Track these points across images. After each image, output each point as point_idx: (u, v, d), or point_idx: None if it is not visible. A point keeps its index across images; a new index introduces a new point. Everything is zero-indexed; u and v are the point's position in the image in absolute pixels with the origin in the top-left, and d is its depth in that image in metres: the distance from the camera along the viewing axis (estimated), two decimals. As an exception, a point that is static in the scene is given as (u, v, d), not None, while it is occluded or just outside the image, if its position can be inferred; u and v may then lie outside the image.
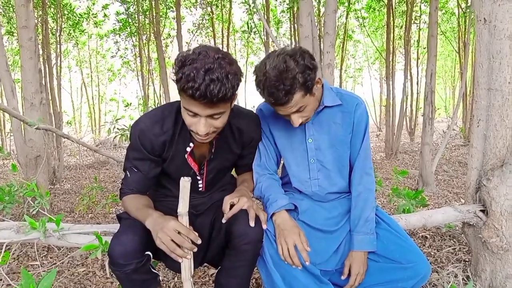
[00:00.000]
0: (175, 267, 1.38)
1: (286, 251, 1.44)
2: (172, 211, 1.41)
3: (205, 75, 1.16)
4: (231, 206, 1.47)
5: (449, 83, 16.96)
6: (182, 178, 1.28)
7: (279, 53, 1.37)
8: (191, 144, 1.50)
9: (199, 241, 1.30)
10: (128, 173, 1.53)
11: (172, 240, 1.27)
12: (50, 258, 2.66)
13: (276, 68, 1.33)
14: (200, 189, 1.65)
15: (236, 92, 1.29)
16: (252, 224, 1.40)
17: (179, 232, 1.28)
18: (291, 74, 1.33)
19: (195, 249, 1.30)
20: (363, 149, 1.63)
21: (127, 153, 1.53)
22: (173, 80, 1.25)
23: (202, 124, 1.29)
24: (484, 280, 1.98)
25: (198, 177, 1.61)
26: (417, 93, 9.01)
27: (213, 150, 1.53)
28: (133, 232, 1.36)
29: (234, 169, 1.81)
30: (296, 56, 1.36)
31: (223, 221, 1.45)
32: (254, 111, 1.71)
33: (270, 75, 1.33)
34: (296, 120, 1.45)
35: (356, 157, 1.64)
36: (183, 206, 1.31)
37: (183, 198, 1.31)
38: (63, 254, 2.69)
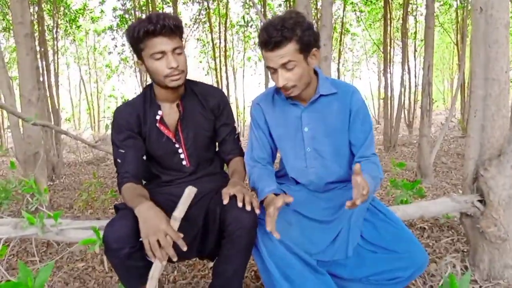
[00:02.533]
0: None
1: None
2: (168, 196, 1.46)
3: (156, 17, 1.43)
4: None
5: (447, 75, 16.92)
6: (189, 186, 1.36)
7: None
8: (160, 112, 1.64)
9: (184, 248, 1.31)
10: (119, 160, 1.62)
11: (158, 241, 1.28)
12: (50, 253, 2.67)
13: (283, 15, 1.44)
14: (185, 163, 1.69)
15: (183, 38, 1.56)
16: (248, 208, 1.41)
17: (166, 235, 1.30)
18: (293, 22, 1.41)
19: (175, 259, 1.30)
20: (366, 135, 1.62)
21: (112, 143, 1.65)
22: (132, 45, 1.50)
23: (171, 58, 1.48)
24: (482, 270, 1.98)
25: (177, 145, 1.67)
26: (415, 86, 9.00)
27: (180, 109, 1.65)
28: (126, 218, 1.39)
29: (222, 158, 1.84)
30: (305, 19, 1.45)
31: (224, 202, 1.44)
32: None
33: (275, 18, 1.43)
34: (281, 77, 1.47)
35: (360, 144, 1.63)
36: (180, 211, 1.35)
37: (183, 204, 1.34)
38: (62, 250, 2.69)
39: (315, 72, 1.63)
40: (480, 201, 1.95)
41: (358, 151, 1.64)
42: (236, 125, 1.85)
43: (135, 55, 1.57)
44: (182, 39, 1.55)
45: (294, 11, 1.47)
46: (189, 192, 1.35)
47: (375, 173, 1.52)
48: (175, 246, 1.31)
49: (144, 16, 1.55)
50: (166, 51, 1.46)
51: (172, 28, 1.44)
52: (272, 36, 1.39)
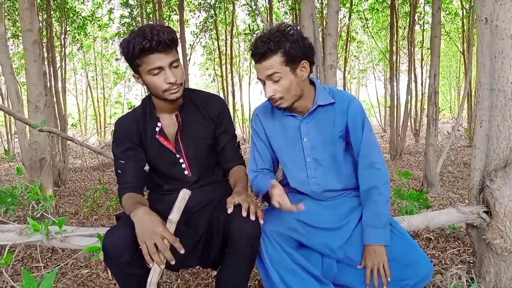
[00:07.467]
0: (169, 265, 1.40)
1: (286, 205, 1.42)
2: (170, 205, 1.43)
3: (150, 31, 1.41)
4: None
5: (454, 84, 16.86)
6: (183, 189, 1.36)
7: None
8: (159, 124, 1.64)
9: (182, 251, 1.32)
10: (119, 171, 1.64)
11: (155, 244, 1.29)
12: (54, 259, 2.68)
13: (273, 28, 1.46)
14: (187, 173, 1.70)
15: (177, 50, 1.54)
16: (252, 217, 1.41)
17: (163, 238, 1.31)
18: (280, 34, 1.43)
19: (173, 262, 1.31)
20: (364, 144, 1.61)
21: (113, 154, 1.66)
22: (127, 60, 1.49)
23: (169, 74, 1.47)
24: (489, 282, 1.96)
25: (178, 155, 1.67)
26: (422, 94, 8.97)
27: (179, 120, 1.64)
28: (126, 226, 1.40)
29: (222, 167, 1.83)
30: (297, 32, 1.46)
31: (229, 211, 1.44)
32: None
33: (265, 31, 1.46)
34: (268, 89, 1.50)
35: (358, 152, 1.63)
36: (176, 214, 1.35)
37: (178, 207, 1.35)
38: (67, 256, 2.70)
39: (313, 83, 1.64)
40: (486, 212, 1.93)
41: (358, 159, 1.65)
42: (239, 132, 1.86)
43: (131, 69, 1.56)
44: (178, 51, 1.54)
45: (286, 23, 1.48)
46: (183, 195, 1.36)
47: (376, 209, 1.57)
48: (175, 252, 1.31)
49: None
50: (163, 66, 1.46)
51: (167, 43, 1.43)
52: (258, 48, 1.43)
